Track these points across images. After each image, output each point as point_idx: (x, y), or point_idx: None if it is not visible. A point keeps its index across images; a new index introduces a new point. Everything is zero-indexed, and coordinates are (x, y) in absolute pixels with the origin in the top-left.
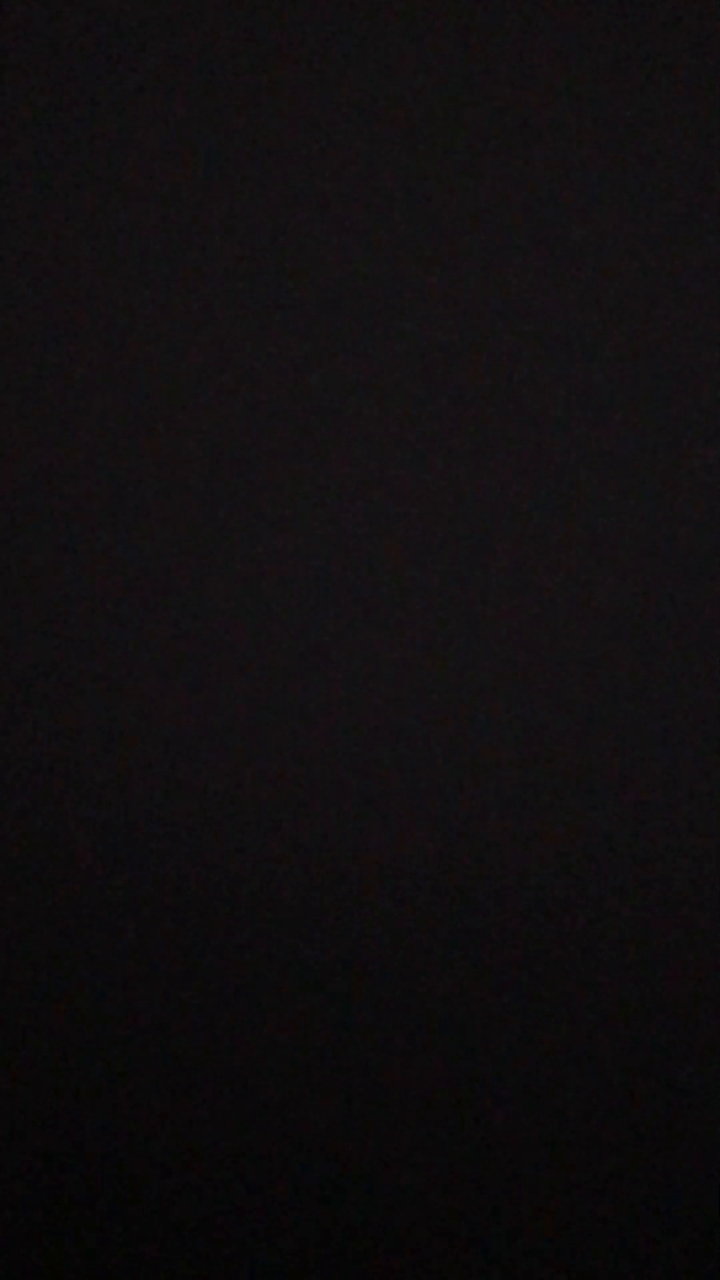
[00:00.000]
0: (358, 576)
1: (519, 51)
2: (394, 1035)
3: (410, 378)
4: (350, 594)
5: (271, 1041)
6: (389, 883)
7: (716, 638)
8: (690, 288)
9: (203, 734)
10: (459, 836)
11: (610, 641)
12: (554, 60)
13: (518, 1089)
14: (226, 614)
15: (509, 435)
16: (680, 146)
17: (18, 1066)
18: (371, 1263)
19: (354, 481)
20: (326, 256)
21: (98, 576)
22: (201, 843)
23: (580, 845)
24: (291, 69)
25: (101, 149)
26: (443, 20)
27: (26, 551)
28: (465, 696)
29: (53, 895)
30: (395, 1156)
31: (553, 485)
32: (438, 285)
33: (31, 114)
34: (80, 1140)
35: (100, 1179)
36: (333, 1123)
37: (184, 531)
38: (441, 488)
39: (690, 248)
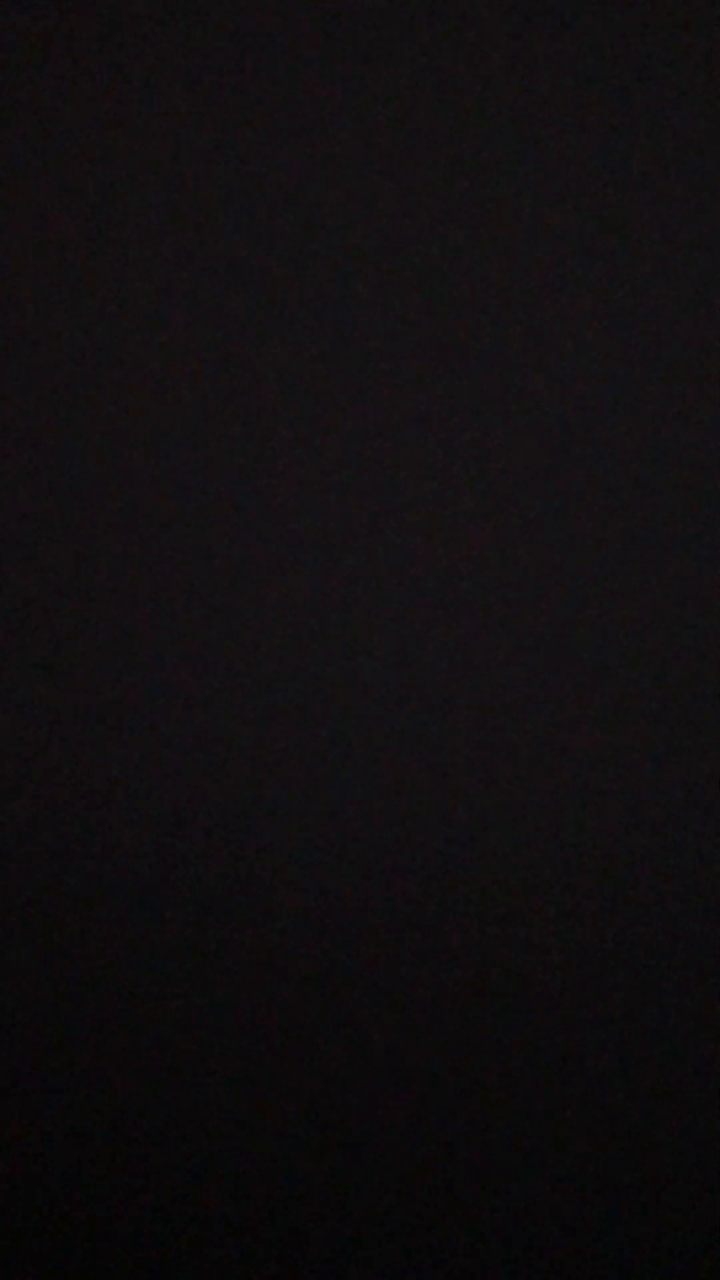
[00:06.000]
0: (357, 578)
1: (519, 51)
2: (392, 1045)
3: (409, 380)
4: (349, 597)
5: (270, 1048)
6: (388, 895)
7: (716, 639)
8: (691, 285)
9: (201, 740)
10: (457, 841)
11: (611, 648)
12: (554, 61)
13: (517, 1107)
14: (225, 621)
15: (508, 438)
16: (681, 145)
17: (18, 1072)
18: (368, 1266)
19: (353, 483)
20: (326, 251)
21: (96, 580)
22: (200, 850)
23: (581, 852)
24: (291, 70)
25: (100, 148)
26: (443, 22)
27: (26, 553)
28: (465, 705)
29: (52, 899)
30: (393, 1160)
31: (552, 487)
32: (436, 286)
33: (29, 115)
34: (79, 1154)
35: (99, 1183)
36: (331, 1140)
37: (182, 536)
38: (440, 492)
39: (691, 244)
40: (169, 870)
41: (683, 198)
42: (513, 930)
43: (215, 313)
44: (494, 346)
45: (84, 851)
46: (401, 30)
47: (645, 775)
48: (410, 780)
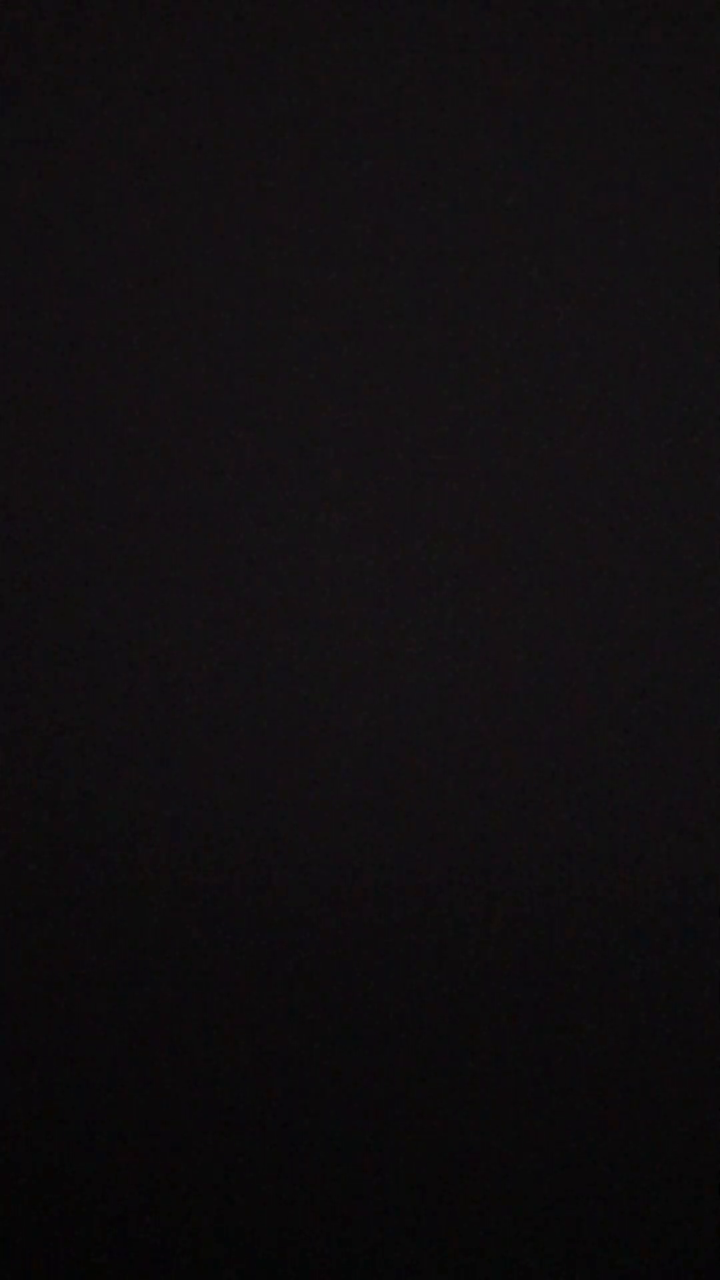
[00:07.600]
0: (357, 586)
1: (519, 52)
2: (392, 1055)
3: (408, 386)
4: (349, 603)
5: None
6: (388, 912)
7: (717, 643)
8: (690, 288)
9: (201, 748)
10: (458, 849)
11: (612, 656)
12: (554, 61)
13: (518, 1121)
14: (225, 628)
15: (508, 444)
16: (681, 145)
17: (18, 1079)
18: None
19: (353, 489)
20: (326, 256)
21: (97, 584)
22: (200, 856)
23: (582, 859)
24: (291, 72)
25: (100, 153)
26: (443, 21)
27: (26, 556)
28: (466, 714)
29: (51, 905)
30: (391, 1170)
31: (552, 493)
32: (436, 290)
33: (30, 121)
34: (78, 1168)
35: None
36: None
37: (183, 542)
38: (440, 499)
39: (690, 246)
40: (168, 870)
41: (681, 199)
42: (513, 931)
43: (215, 311)
44: (492, 345)
45: (84, 855)
46: (400, 30)
47: (645, 771)
48: (410, 787)
